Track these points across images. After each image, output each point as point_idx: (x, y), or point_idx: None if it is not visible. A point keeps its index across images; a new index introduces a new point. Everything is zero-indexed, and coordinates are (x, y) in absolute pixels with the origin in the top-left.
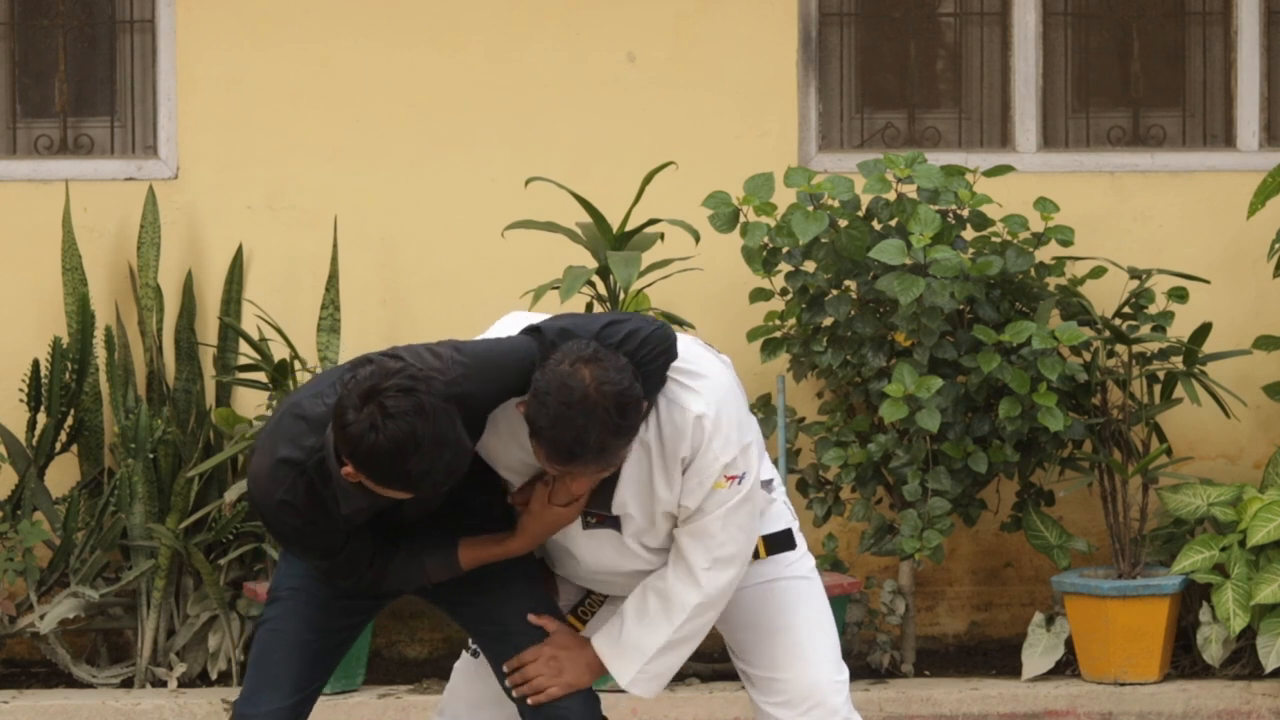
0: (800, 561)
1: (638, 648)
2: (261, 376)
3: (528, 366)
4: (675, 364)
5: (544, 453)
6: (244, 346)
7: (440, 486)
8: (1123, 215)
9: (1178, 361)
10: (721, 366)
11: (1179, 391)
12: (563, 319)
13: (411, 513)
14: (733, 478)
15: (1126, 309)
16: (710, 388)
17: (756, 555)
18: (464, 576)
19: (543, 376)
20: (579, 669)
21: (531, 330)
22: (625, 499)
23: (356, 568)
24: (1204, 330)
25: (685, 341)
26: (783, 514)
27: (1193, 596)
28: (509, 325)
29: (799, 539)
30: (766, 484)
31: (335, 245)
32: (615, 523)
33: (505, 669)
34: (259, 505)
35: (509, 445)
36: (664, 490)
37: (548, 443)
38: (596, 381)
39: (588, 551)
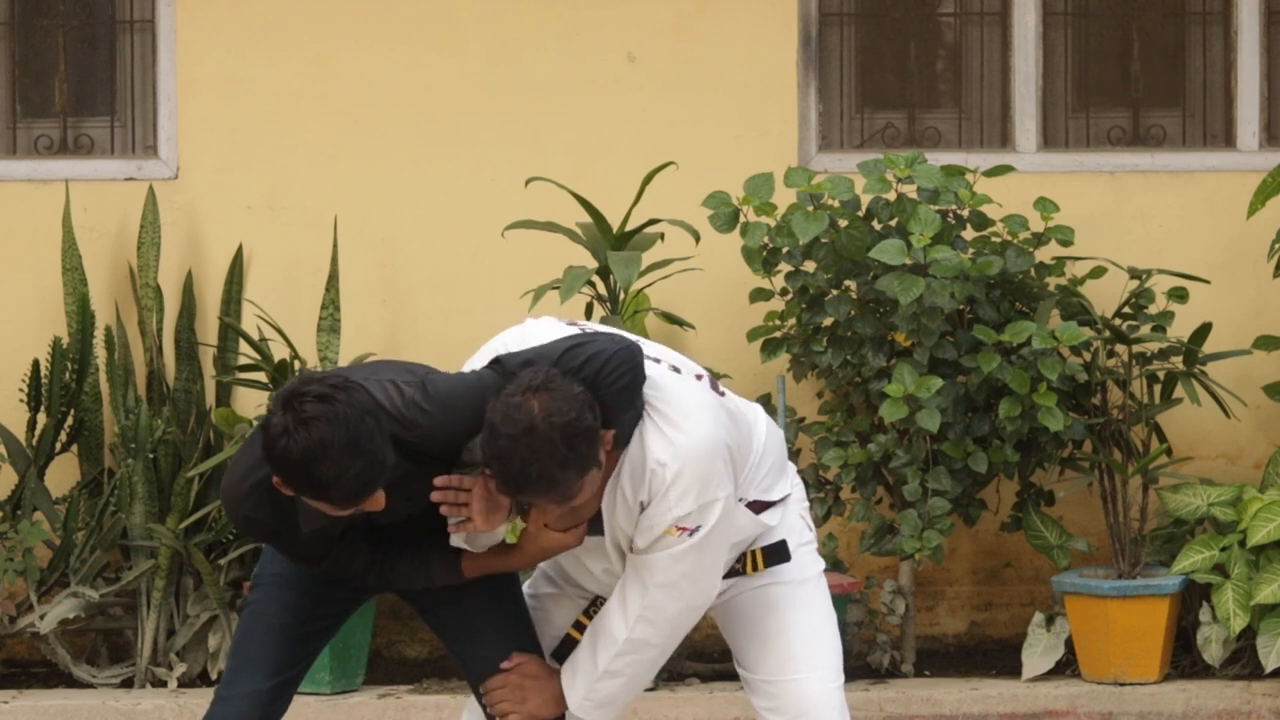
0: (805, 567)
1: (584, 672)
2: (261, 376)
3: (487, 403)
4: (659, 406)
5: (495, 482)
6: (244, 346)
7: (352, 497)
8: (1123, 215)
9: (1178, 361)
10: (710, 421)
11: (1179, 391)
12: (529, 350)
13: (385, 519)
14: (684, 529)
15: (1126, 309)
16: (684, 440)
17: (755, 567)
18: (447, 595)
19: (494, 407)
20: (543, 699)
21: (494, 363)
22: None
23: (352, 568)
24: (1204, 330)
25: (688, 384)
26: (793, 528)
27: (1193, 596)
28: (540, 332)
29: (802, 550)
30: (777, 502)
31: (335, 245)
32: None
33: (482, 690)
34: (229, 516)
35: None
36: (624, 521)
37: (495, 473)
38: (545, 412)
39: (591, 559)
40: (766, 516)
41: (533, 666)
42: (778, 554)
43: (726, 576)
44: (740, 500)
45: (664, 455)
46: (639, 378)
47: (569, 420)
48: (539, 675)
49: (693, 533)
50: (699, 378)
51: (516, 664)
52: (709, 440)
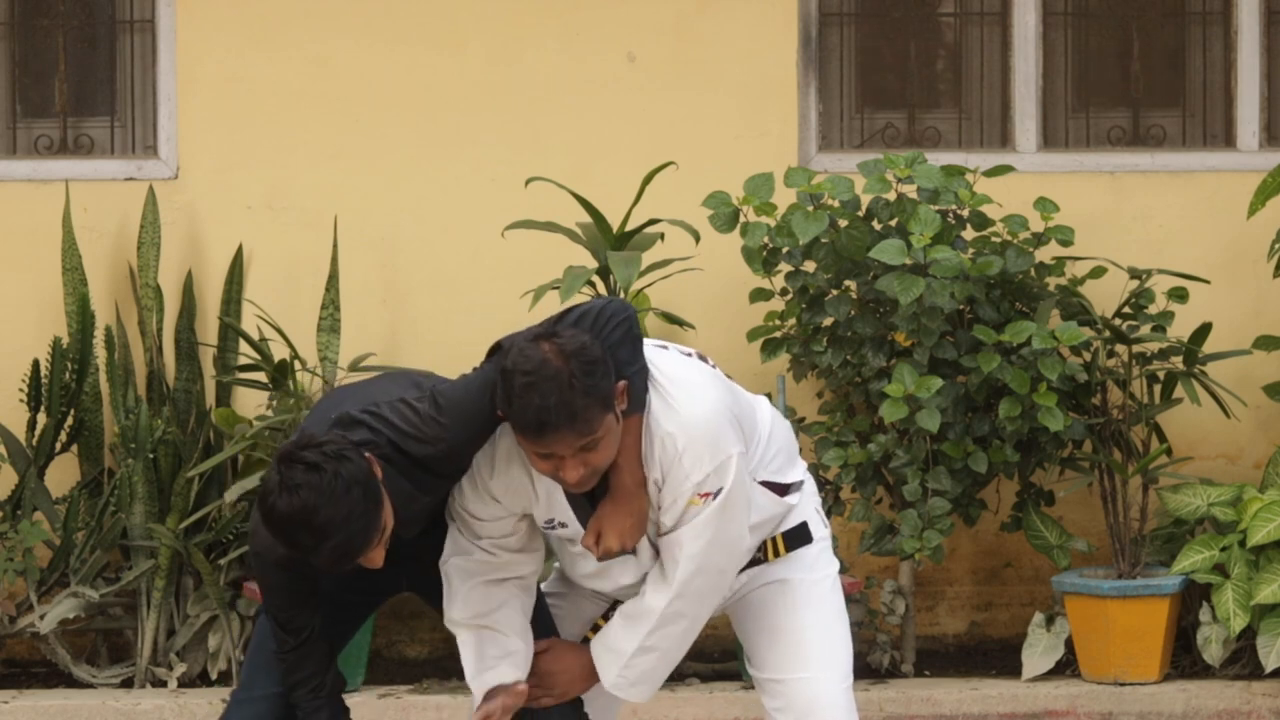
0: (820, 565)
1: (618, 650)
2: (261, 376)
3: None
4: (658, 378)
5: (519, 435)
6: (244, 346)
7: (327, 568)
8: (1123, 215)
9: (1178, 361)
10: (707, 384)
11: (1179, 391)
12: (522, 330)
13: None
14: (706, 495)
15: (1126, 309)
16: (687, 405)
17: (777, 553)
18: None
19: (503, 359)
20: (570, 678)
21: (494, 348)
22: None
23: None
24: (1204, 330)
25: (679, 357)
26: (811, 520)
27: (1193, 596)
28: None
29: (822, 543)
30: (791, 486)
31: (335, 245)
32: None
33: None
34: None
35: (519, 478)
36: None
37: (517, 419)
38: (556, 349)
39: (622, 573)
40: (788, 497)
41: (558, 649)
42: (799, 537)
43: (747, 567)
44: (754, 480)
45: (670, 425)
46: (636, 330)
47: (581, 346)
48: (563, 654)
49: (715, 495)
50: (687, 355)
51: (540, 650)
52: (711, 402)
